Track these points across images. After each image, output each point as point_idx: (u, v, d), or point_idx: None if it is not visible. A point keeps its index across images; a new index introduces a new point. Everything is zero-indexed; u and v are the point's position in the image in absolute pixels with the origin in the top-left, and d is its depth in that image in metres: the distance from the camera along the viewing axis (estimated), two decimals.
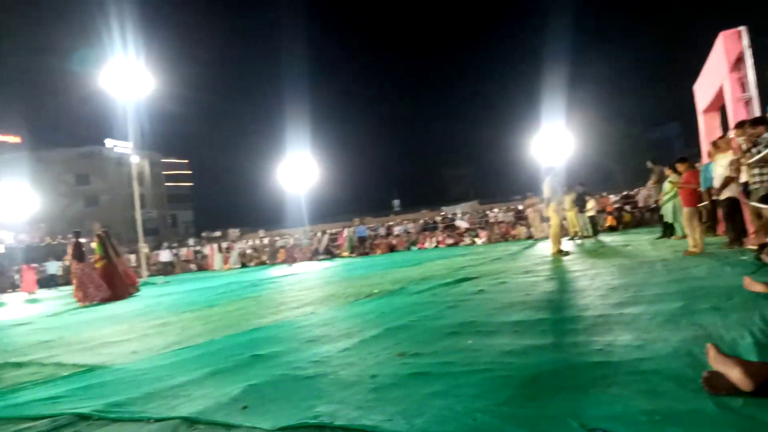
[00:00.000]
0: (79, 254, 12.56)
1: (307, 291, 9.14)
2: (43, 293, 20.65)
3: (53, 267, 27.88)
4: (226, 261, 28.79)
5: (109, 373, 3.97)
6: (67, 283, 20.71)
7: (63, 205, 55.40)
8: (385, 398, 2.56)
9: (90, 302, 11.99)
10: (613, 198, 24.78)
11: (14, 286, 26.48)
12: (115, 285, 12.70)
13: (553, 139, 24.03)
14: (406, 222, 33.39)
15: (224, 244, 33.40)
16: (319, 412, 2.43)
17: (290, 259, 25.72)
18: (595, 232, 16.80)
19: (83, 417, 2.82)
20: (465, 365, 3.00)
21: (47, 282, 26.40)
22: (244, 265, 27.69)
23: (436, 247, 24.73)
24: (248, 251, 31.29)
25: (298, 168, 32.54)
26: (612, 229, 20.71)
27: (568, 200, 15.30)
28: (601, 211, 20.72)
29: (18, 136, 58.37)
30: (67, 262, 18.73)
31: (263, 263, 28.53)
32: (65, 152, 59.21)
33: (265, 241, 34.36)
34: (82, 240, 13.44)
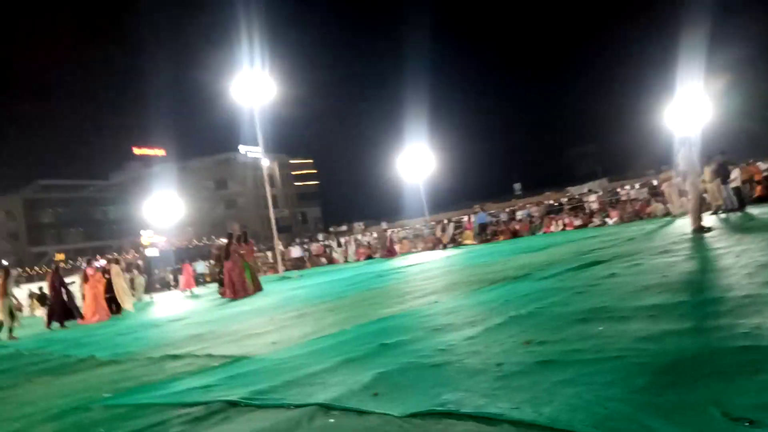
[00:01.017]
0: (227, 254, 13.68)
1: (431, 280, 9.23)
2: (198, 290, 22.70)
3: (200, 267, 30.54)
4: (355, 254, 29.85)
5: (252, 363, 4.31)
6: (214, 280, 22.53)
7: (206, 210, 60.39)
8: (511, 386, 2.54)
9: (238, 297, 13.00)
10: (762, 166, 22.24)
11: (168, 286, 29.31)
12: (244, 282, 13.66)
13: (689, 105, 22.03)
14: (529, 206, 32.44)
15: (342, 239, 34.59)
16: (446, 399, 2.48)
17: (388, 253, 26.03)
18: (742, 205, 15.22)
19: (232, 404, 3.09)
20: (595, 352, 2.89)
21: (195, 280, 29.00)
22: (370, 257, 28.47)
23: (562, 230, 23.76)
24: (372, 242, 32.15)
25: (417, 158, 32.79)
26: (762, 200, 18.63)
27: (707, 172, 13.99)
28: (748, 180, 18.70)
29: (163, 149, 64.48)
30: (212, 262, 20.32)
31: (387, 255, 29.18)
32: (204, 161, 64.49)
33: (388, 233, 35.11)
34: (219, 240, 14.59)
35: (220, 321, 8.31)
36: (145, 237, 40.76)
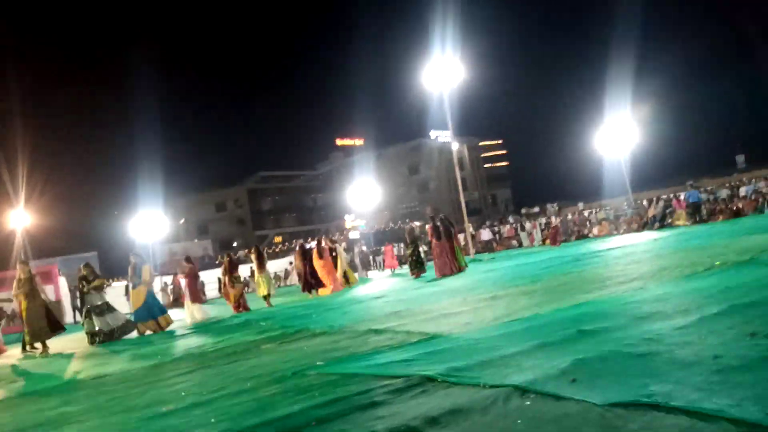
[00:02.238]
0: (437, 234, 14.29)
1: (635, 264, 8.58)
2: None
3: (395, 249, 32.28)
4: (545, 238, 28.84)
5: (448, 341, 4.45)
6: (404, 263, 23.53)
7: (400, 194, 63.15)
8: (731, 381, 2.29)
9: (443, 275, 13.51)
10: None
11: (369, 266, 31.32)
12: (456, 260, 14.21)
13: None
14: (755, 180, 28.25)
15: (527, 223, 33.53)
16: (652, 391, 2.32)
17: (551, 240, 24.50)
18: None
19: (429, 379, 3.24)
20: None
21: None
22: (565, 240, 27.28)
23: None
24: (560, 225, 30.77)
25: (618, 132, 30.34)
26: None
27: None
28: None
29: (362, 138, 68.75)
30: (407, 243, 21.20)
31: (585, 236, 27.64)
32: (398, 148, 67.34)
33: (585, 213, 33.21)
34: (412, 224, 15.27)
35: (417, 300, 8.68)
36: (348, 221, 43.95)
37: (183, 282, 13.97)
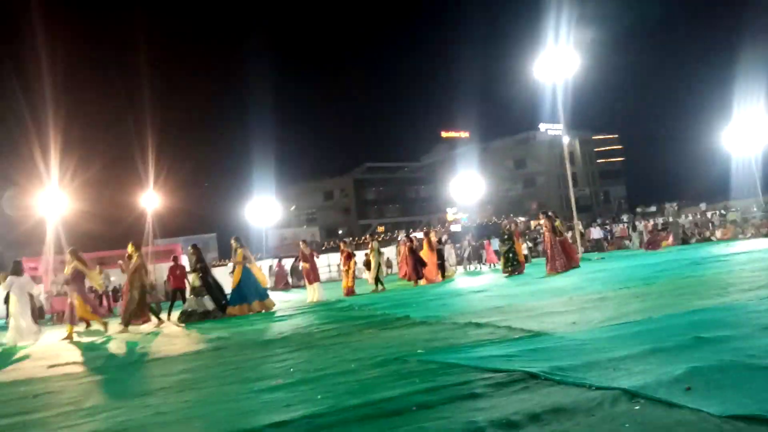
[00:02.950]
0: (553, 228, 13.98)
1: (763, 272, 7.87)
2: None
3: (495, 244, 31.63)
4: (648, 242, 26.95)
5: (552, 340, 4.35)
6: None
7: (505, 189, 61.88)
8: None
9: (556, 272, 13.19)
10: None
11: (479, 259, 31.05)
12: (570, 256, 13.78)
13: None
14: None
15: (639, 223, 31.44)
16: None
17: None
18: None
19: (532, 375, 3.19)
20: None
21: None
22: (684, 242, 25.44)
23: None
24: (686, 226, 28.63)
25: (749, 129, 27.73)
26: None
27: None
28: None
29: (467, 131, 68.04)
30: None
31: (707, 239, 25.62)
32: (505, 141, 65.97)
33: (708, 215, 30.76)
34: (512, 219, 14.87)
35: (520, 296, 8.52)
36: (450, 213, 43.79)
37: (298, 265, 14.78)
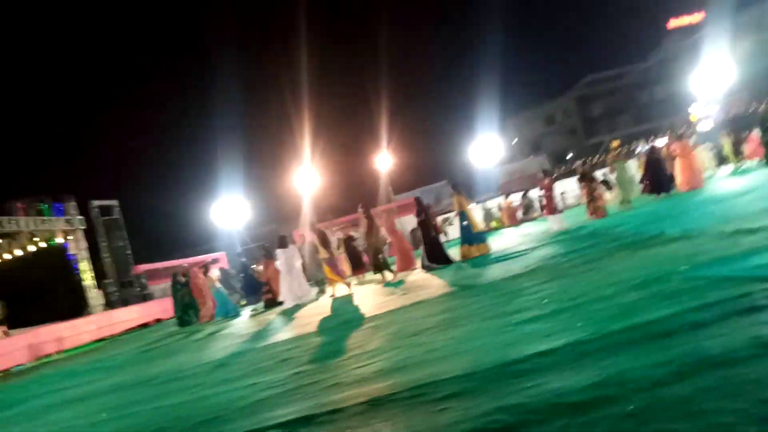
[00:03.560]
0: None
1: None
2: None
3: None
4: None
5: None
6: None
7: (765, 64, 51.99)
8: None
9: None
10: None
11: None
12: None
13: None
14: None
15: None
16: None
17: None
18: None
19: None
20: None
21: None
22: None
23: None
24: None
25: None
26: None
27: None
28: None
29: (701, 11, 58.25)
30: None
31: None
32: (764, 7, 55.06)
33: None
34: None
35: None
36: (695, 111, 38.53)
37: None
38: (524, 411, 2.16)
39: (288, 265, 11.71)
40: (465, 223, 11.46)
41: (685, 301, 3.14)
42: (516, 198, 25.31)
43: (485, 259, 10.13)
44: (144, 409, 4.50)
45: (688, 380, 2.05)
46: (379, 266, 11.52)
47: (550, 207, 13.01)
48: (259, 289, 14.50)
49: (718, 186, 13.00)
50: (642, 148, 23.81)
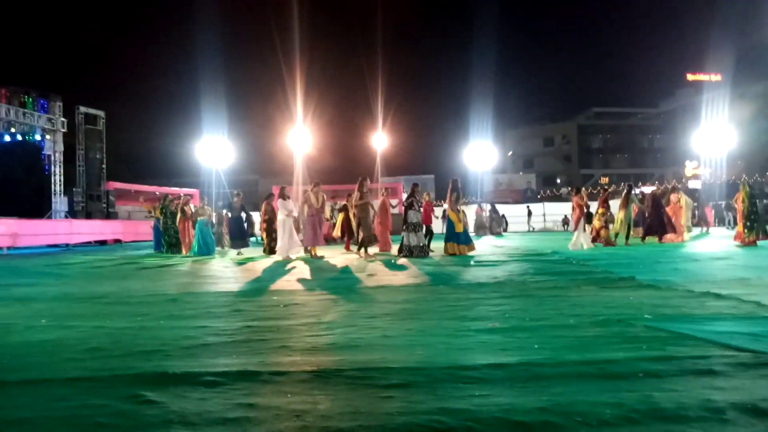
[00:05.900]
0: None
1: None
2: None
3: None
4: None
5: None
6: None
7: (762, 142, 52.81)
8: None
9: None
10: None
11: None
12: None
13: None
14: None
15: None
16: None
17: None
18: None
19: None
20: None
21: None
22: None
23: None
24: None
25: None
26: None
27: None
28: None
29: (719, 74, 58.78)
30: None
31: None
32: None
33: None
34: None
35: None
36: (689, 168, 39.00)
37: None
38: (467, 418, 2.14)
39: (286, 216, 11.79)
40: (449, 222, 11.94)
41: (644, 349, 3.16)
42: (500, 208, 25.49)
43: (461, 260, 10.19)
44: (85, 325, 4.40)
45: (635, 427, 2.05)
46: (363, 242, 11.70)
47: (577, 224, 13.05)
48: (245, 234, 14.66)
49: (696, 246, 13.20)
50: (637, 191, 24.12)
